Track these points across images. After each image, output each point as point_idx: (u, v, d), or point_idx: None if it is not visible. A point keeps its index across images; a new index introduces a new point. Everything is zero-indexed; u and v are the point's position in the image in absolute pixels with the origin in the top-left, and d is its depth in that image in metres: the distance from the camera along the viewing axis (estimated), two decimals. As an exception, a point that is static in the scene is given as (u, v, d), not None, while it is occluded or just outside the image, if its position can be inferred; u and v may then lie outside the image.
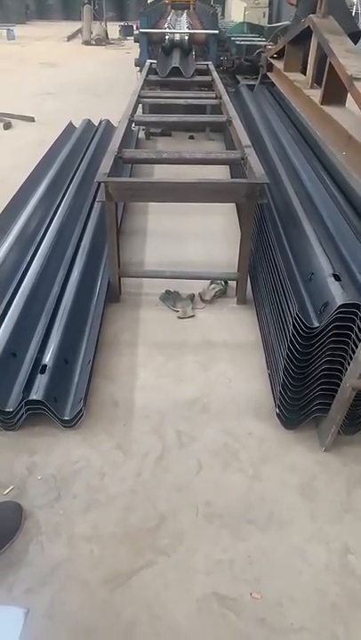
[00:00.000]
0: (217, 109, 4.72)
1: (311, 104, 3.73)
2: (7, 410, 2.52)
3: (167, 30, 6.74)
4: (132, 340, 3.20)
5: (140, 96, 4.67)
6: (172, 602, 1.87)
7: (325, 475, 2.36)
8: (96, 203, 4.21)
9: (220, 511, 2.19)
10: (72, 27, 18.87)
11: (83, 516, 2.16)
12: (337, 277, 2.39)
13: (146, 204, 5.06)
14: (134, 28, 10.97)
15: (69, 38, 17.45)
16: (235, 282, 3.52)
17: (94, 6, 17.28)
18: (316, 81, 4.20)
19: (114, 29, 18.00)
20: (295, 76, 4.77)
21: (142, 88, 5.04)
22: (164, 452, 2.45)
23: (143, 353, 3.10)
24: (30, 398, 2.48)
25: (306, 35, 4.35)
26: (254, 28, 8.99)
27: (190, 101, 4.76)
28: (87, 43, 16.23)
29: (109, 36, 16.98)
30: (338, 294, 2.27)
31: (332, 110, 3.34)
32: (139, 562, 2.00)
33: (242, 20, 9.79)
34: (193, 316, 3.42)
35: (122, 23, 19.06)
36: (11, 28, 18.06)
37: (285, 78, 4.91)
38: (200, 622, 1.82)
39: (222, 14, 13.26)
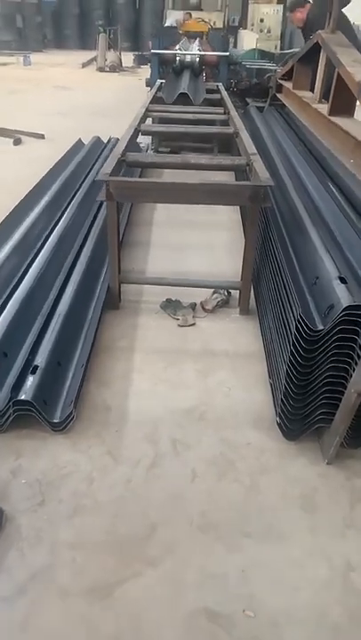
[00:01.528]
0: (225, 125, 4.70)
1: (319, 116, 3.70)
2: (-6, 410, 2.40)
3: (178, 51, 6.80)
4: (129, 346, 3.10)
5: (148, 109, 4.66)
6: (158, 617, 1.72)
7: (328, 488, 2.21)
8: (100, 210, 4.18)
9: (214, 521, 2.05)
10: (88, 55, 19.31)
11: (67, 522, 2.03)
12: (343, 280, 2.29)
13: (150, 217, 5.03)
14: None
15: (84, 65, 17.83)
16: (237, 292, 3.43)
17: (109, 35, 17.68)
18: (325, 97, 4.18)
19: (128, 58, 18.41)
20: (304, 94, 4.76)
21: (151, 103, 5.04)
22: (157, 460, 2.32)
23: (140, 359, 2.99)
24: (18, 398, 2.37)
25: (314, 52, 4.35)
26: (265, 55, 9.12)
27: (198, 116, 4.74)
28: (101, 69, 16.57)
29: (123, 64, 17.33)
30: (344, 296, 2.16)
31: (340, 120, 3.30)
32: (125, 573, 1.85)
33: (253, 47, 9.94)
34: (194, 324, 3.32)
35: (136, 53, 19.53)
36: (27, 54, 18.52)
37: (294, 96, 4.91)
38: (188, 639, 1.66)
39: (235, 45, 13.49)
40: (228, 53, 6.80)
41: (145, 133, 4.07)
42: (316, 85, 4.29)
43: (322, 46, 3.87)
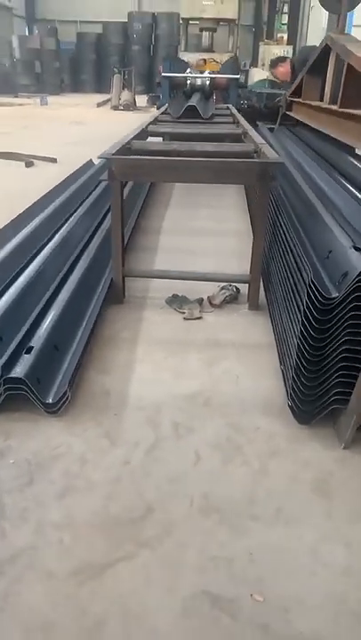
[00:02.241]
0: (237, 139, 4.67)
1: (329, 113, 3.63)
2: (-19, 391, 2.25)
3: (189, 75, 6.90)
4: (132, 337, 2.95)
5: (157, 119, 4.65)
6: (152, 600, 1.51)
7: (344, 472, 2.00)
8: (106, 217, 4.11)
9: (218, 504, 1.84)
10: (103, 97, 19.89)
11: (56, 502, 1.84)
12: (358, 249, 2.14)
13: (159, 223, 4.96)
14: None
15: (99, 105, 18.34)
16: (246, 288, 3.28)
17: (124, 76, 18.24)
18: (334, 100, 4.14)
19: (142, 100, 18.92)
20: (314, 102, 4.73)
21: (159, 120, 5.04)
22: (158, 443, 2.13)
23: (143, 350, 2.83)
24: (10, 376, 2.22)
25: (323, 61, 4.34)
26: (275, 85, 9.24)
27: (208, 130, 4.71)
28: (115, 108, 17.01)
29: (137, 104, 17.79)
30: (359, 263, 2.01)
31: (351, 110, 3.21)
32: (116, 554, 1.65)
33: (264, 78, 10.13)
34: (200, 317, 3.16)
35: (150, 94, 20.09)
36: (44, 95, 19.15)
37: (304, 106, 4.88)
38: (185, 625, 1.45)
39: (245, 81, 13.80)
40: (238, 76, 6.89)
41: (153, 135, 4.01)
42: (325, 89, 4.26)
43: (331, 46, 3.85)
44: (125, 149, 2.99)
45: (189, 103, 5.28)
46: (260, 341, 2.91)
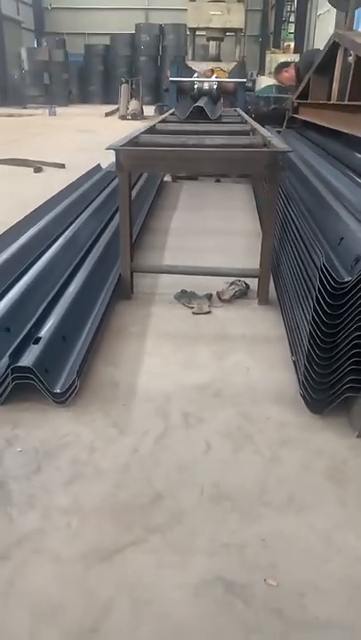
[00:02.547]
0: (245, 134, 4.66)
1: (337, 107, 3.62)
2: (-10, 379, 2.23)
3: (196, 79, 6.92)
4: (140, 331, 2.92)
5: (165, 120, 4.65)
6: (162, 585, 1.47)
7: (358, 460, 1.95)
8: (114, 217, 4.11)
9: (229, 492, 1.80)
10: (111, 107, 20.05)
11: (64, 488, 1.80)
12: (370, 234, 2.11)
13: (167, 224, 4.95)
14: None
15: (107, 114, 18.49)
16: (256, 283, 3.25)
17: (132, 85, 18.39)
18: (343, 96, 4.12)
19: (150, 110, 19.04)
20: (321, 101, 4.72)
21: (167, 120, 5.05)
22: (167, 432, 2.10)
23: (152, 343, 2.80)
24: (18, 365, 2.19)
25: (330, 59, 4.33)
26: (282, 90, 9.26)
27: (216, 127, 4.71)
28: (123, 117, 17.13)
29: (145, 113, 17.91)
30: (372, 247, 1.98)
31: (359, 102, 3.19)
32: (125, 539, 1.61)
33: (270, 84, 10.17)
34: (209, 312, 3.13)
35: (158, 104, 20.23)
36: (53, 106, 19.34)
37: (311, 105, 4.87)
38: (198, 610, 1.40)
39: (253, 88, 13.86)
40: (245, 80, 6.90)
41: (161, 133, 4.01)
42: (333, 88, 4.25)
43: (339, 42, 3.84)
44: (133, 143, 2.98)
45: (197, 104, 5.26)
46: (270, 335, 2.88)
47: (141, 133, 3.20)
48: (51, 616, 1.38)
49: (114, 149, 2.63)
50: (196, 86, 6.98)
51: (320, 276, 1.99)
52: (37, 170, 7.65)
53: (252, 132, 3.81)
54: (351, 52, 3.52)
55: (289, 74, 5.81)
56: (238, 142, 3.24)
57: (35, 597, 1.43)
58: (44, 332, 2.47)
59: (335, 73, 4.15)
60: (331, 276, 1.95)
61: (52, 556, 1.55)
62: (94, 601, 1.42)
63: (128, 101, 17.45)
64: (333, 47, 4.06)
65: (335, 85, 4.19)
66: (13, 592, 1.44)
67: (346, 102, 3.36)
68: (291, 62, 5.85)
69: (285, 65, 5.86)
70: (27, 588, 1.45)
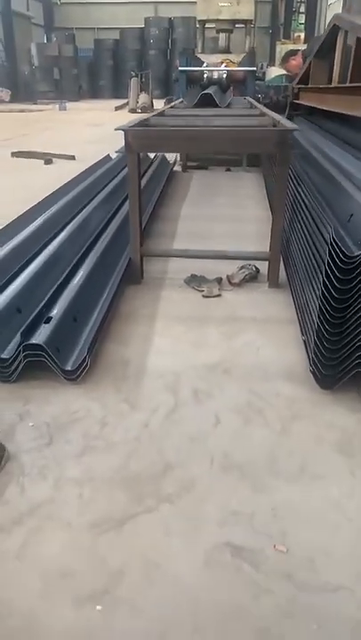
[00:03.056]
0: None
1: (339, 90, 3.59)
2: (3, 357, 2.25)
3: (206, 68, 6.90)
4: (151, 313, 2.93)
5: (174, 107, 4.65)
6: (173, 551, 1.48)
7: (370, 434, 1.95)
8: (125, 203, 4.12)
9: (239, 463, 1.80)
10: (121, 102, 20.03)
11: (75, 460, 1.82)
12: (379, 209, 2.10)
13: (177, 212, 4.95)
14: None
15: (117, 108, 18.47)
16: (266, 267, 3.24)
17: (141, 79, 18.36)
18: (344, 79, 4.09)
19: (160, 103, 19.00)
20: (322, 85, 4.68)
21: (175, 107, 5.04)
22: (177, 407, 2.11)
23: (162, 325, 2.81)
24: (29, 342, 2.21)
25: (330, 42, 4.30)
26: (292, 80, 9.21)
27: (225, 112, 4.70)
28: (133, 110, 17.10)
29: (155, 106, 17.89)
30: (381, 221, 1.97)
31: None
32: (136, 508, 1.62)
33: (280, 74, 10.11)
34: (219, 295, 3.13)
35: (168, 97, 20.19)
36: (63, 101, 19.38)
37: (312, 89, 4.84)
38: (208, 574, 1.41)
39: (263, 78, 13.79)
40: (254, 68, 6.86)
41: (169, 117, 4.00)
42: (334, 71, 4.21)
43: (339, 24, 3.81)
44: (142, 124, 2.98)
45: (205, 91, 5.22)
46: (280, 317, 2.87)
47: (151, 117, 3.20)
48: (62, 580, 1.40)
49: (122, 130, 2.63)
50: (205, 76, 6.95)
51: (330, 250, 1.98)
52: (48, 162, 7.68)
53: (261, 115, 3.79)
54: (351, 35, 3.48)
55: (297, 61, 5.78)
56: (248, 123, 3.23)
57: (46, 563, 1.44)
58: (55, 312, 2.48)
59: (336, 56, 4.12)
60: (341, 250, 1.94)
61: (63, 524, 1.57)
62: (105, 566, 1.43)
63: (138, 95, 17.43)
64: (334, 30, 4.03)
65: (336, 68, 4.15)
66: (25, 558, 1.46)
67: (347, 85, 3.33)
68: (298, 50, 5.81)
69: (293, 53, 5.83)
70: (38, 554, 1.47)
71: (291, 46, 16.54)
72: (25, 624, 1.29)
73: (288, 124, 2.71)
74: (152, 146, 2.76)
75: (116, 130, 2.72)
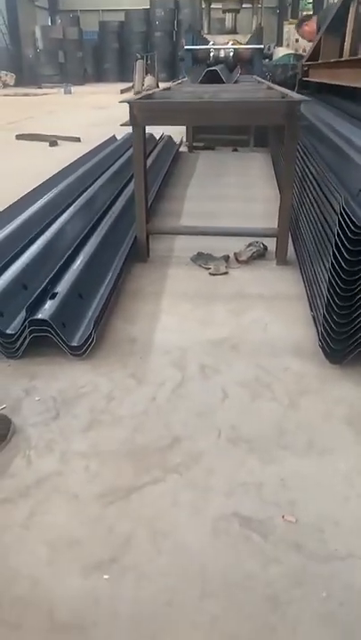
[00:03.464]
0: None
1: (350, 63, 3.51)
2: (9, 332, 2.23)
3: (212, 46, 6.79)
4: (157, 291, 2.90)
5: (180, 83, 4.57)
6: (180, 521, 1.47)
7: (380, 408, 1.93)
8: (130, 182, 4.07)
9: (247, 436, 1.79)
10: (127, 85, 19.81)
11: (82, 434, 1.81)
12: (390, 180, 2.05)
13: (183, 192, 4.90)
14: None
15: (123, 91, 18.26)
16: (274, 244, 3.20)
17: (147, 61, 18.12)
18: (355, 52, 4.00)
19: (166, 85, 18.80)
20: (333, 60, 4.58)
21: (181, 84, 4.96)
22: (184, 382, 2.09)
23: (168, 302, 2.78)
24: (35, 317, 2.20)
25: (341, 17, 4.20)
26: (300, 58, 9.05)
27: (232, 87, 4.61)
28: (139, 93, 16.93)
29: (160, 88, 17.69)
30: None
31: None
32: (143, 479, 1.61)
33: (288, 53, 9.94)
34: (227, 273, 3.10)
35: (174, 80, 19.94)
36: (68, 84, 19.19)
37: (322, 65, 4.74)
38: (215, 543, 1.40)
39: (271, 57, 13.57)
40: (262, 46, 6.74)
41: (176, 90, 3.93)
42: (345, 45, 4.12)
43: None
44: (148, 97, 2.93)
45: (210, 68, 5.07)
46: (289, 293, 2.84)
47: (157, 92, 3.15)
48: (69, 549, 1.39)
49: (127, 102, 2.59)
50: (211, 54, 6.84)
51: (339, 220, 1.94)
52: (53, 144, 7.62)
53: (268, 88, 3.72)
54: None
55: (310, 27, 5.65)
56: (255, 96, 3.17)
57: (53, 533, 1.44)
58: (61, 288, 2.46)
59: (347, 28, 4.02)
60: (351, 219, 1.90)
61: (70, 495, 1.56)
62: (112, 536, 1.42)
63: (143, 77, 17.20)
64: (346, 3, 3.94)
65: (347, 41, 4.06)
66: (31, 527, 1.46)
67: (360, 57, 3.26)
68: (312, 15, 5.68)
69: (307, 18, 5.69)
70: (44, 524, 1.47)
71: (299, 26, 16.24)
72: (32, 591, 1.29)
73: (296, 96, 2.65)
74: (158, 118, 2.70)
75: (120, 102, 2.67)
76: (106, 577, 1.31)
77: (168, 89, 3.90)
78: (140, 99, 2.65)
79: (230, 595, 1.27)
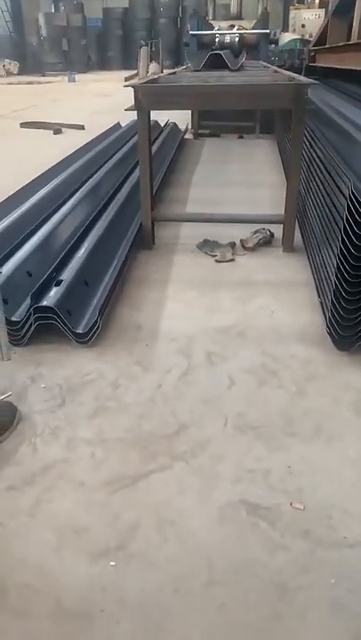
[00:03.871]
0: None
1: (358, 46, 3.44)
2: (14, 320, 2.22)
3: (217, 31, 6.70)
4: (163, 278, 2.88)
5: (185, 69, 4.51)
6: (187, 508, 1.46)
7: (388, 394, 1.90)
8: (135, 168, 4.03)
9: (254, 423, 1.77)
10: (131, 72, 19.65)
11: (88, 421, 1.80)
12: None
13: (188, 178, 4.86)
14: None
15: (127, 79, 18.11)
16: (281, 231, 3.16)
17: (151, 48, 17.95)
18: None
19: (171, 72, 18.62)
20: (341, 43, 4.51)
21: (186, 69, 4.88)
22: (191, 369, 2.07)
23: (174, 289, 2.76)
24: (40, 304, 2.18)
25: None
26: (307, 44, 8.92)
27: (238, 73, 4.54)
28: (143, 81, 16.80)
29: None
30: None
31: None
32: (149, 466, 1.60)
33: (294, 38, 9.81)
34: (233, 260, 3.07)
35: (179, 67, 19.75)
36: (72, 72, 19.06)
37: (329, 50, 4.66)
38: (222, 530, 1.39)
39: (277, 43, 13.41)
40: (268, 31, 6.64)
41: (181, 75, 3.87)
42: (353, 28, 4.05)
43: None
44: (153, 82, 2.88)
45: (214, 52, 4.86)
46: (295, 280, 2.81)
47: (162, 76, 3.10)
48: (75, 536, 1.39)
49: (132, 86, 2.55)
50: (217, 40, 6.75)
51: (348, 204, 1.91)
52: (57, 132, 7.57)
53: (275, 71, 3.67)
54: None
55: None
56: (262, 79, 3.12)
57: (59, 520, 1.43)
58: (66, 276, 2.44)
59: (356, 11, 3.94)
60: (360, 203, 1.87)
61: (76, 483, 1.55)
62: (119, 523, 1.42)
63: (148, 65, 17.04)
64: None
65: (355, 24, 3.99)
66: (38, 514, 1.45)
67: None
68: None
69: None
70: (51, 511, 1.46)
71: (305, 11, 16.03)
72: (38, 579, 1.28)
73: (304, 79, 2.60)
74: (163, 103, 2.65)
75: (125, 86, 2.63)
76: (112, 564, 1.31)
77: (173, 73, 3.84)
78: (144, 83, 2.61)
79: (237, 582, 1.25)
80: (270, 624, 1.17)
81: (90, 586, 1.26)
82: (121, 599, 1.23)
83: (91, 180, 3.81)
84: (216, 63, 4.68)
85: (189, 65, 6.19)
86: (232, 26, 11.66)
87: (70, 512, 1.46)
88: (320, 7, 15.98)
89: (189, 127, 6.97)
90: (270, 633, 1.15)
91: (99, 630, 1.16)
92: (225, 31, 6.74)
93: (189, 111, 6.96)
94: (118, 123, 6.67)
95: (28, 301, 2.25)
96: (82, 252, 2.70)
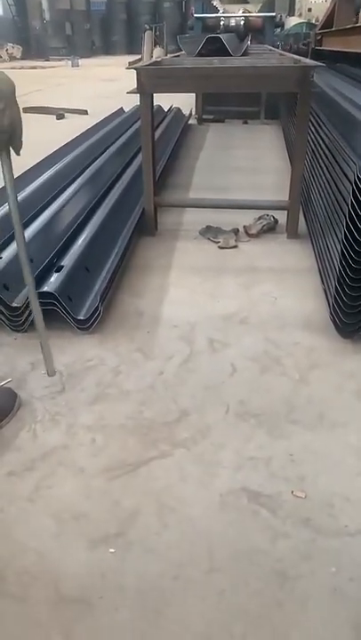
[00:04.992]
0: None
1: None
2: (14, 305, 2.20)
3: (222, 14, 6.59)
4: (165, 264, 2.85)
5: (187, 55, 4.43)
6: (187, 495, 1.45)
7: (392, 382, 1.88)
8: (138, 154, 3.99)
9: (256, 410, 1.76)
10: (135, 57, 19.42)
11: (88, 407, 1.79)
12: None
13: (192, 163, 4.82)
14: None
15: (131, 64, 17.93)
16: (285, 217, 3.12)
17: (155, 32, 17.71)
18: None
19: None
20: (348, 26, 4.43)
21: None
22: (192, 356, 2.05)
23: (177, 275, 2.74)
24: (41, 290, 2.16)
25: None
26: (313, 27, 8.79)
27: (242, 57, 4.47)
28: (147, 66, 16.62)
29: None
30: None
31: None
32: (150, 453, 1.59)
33: (300, 22, 9.66)
34: (236, 246, 3.04)
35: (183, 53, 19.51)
36: (75, 57, 18.86)
37: (336, 33, 4.58)
38: (223, 518, 1.38)
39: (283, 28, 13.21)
40: (274, 14, 6.53)
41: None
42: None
43: None
44: (156, 64, 2.83)
45: (211, 35, 4.11)
46: (299, 267, 2.78)
47: (165, 59, 3.05)
48: (75, 522, 1.38)
49: (135, 69, 2.50)
50: (222, 23, 6.64)
51: (354, 189, 1.87)
52: (60, 117, 7.50)
53: (280, 55, 3.60)
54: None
55: None
56: (267, 62, 3.06)
57: (59, 506, 1.42)
58: (67, 262, 2.42)
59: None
60: (365, 188, 1.84)
61: (76, 469, 1.54)
62: (119, 509, 1.41)
63: (152, 49, 16.82)
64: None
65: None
66: (37, 500, 1.44)
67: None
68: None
69: None
70: (51, 497, 1.45)
71: (312, -6, 15.75)
72: (38, 565, 1.27)
73: (310, 62, 2.55)
74: (166, 85, 2.60)
75: (128, 68, 2.58)
76: (112, 551, 1.30)
77: (177, 56, 3.77)
78: (147, 65, 2.56)
79: (238, 569, 1.25)
80: (271, 612, 1.16)
81: (89, 572, 1.25)
82: (120, 586, 1.22)
83: (93, 165, 3.77)
84: (215, 49, 4.04)
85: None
86: (240, 10, 11.54)
87: (70, 498, 1.45)
88: (327, -10, 15.75)
89: (193, 112, 6.89)
90: (271, 621, 1.14)
91: (98, 617, 1.16)
92: (230, 14, 6.62)
93: (193, 96, 6.90)
94: (121, 108, 6.61)
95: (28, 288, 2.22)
96: (83, 238, 2.68)
